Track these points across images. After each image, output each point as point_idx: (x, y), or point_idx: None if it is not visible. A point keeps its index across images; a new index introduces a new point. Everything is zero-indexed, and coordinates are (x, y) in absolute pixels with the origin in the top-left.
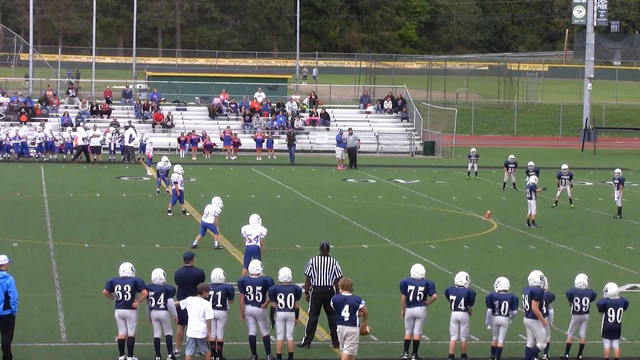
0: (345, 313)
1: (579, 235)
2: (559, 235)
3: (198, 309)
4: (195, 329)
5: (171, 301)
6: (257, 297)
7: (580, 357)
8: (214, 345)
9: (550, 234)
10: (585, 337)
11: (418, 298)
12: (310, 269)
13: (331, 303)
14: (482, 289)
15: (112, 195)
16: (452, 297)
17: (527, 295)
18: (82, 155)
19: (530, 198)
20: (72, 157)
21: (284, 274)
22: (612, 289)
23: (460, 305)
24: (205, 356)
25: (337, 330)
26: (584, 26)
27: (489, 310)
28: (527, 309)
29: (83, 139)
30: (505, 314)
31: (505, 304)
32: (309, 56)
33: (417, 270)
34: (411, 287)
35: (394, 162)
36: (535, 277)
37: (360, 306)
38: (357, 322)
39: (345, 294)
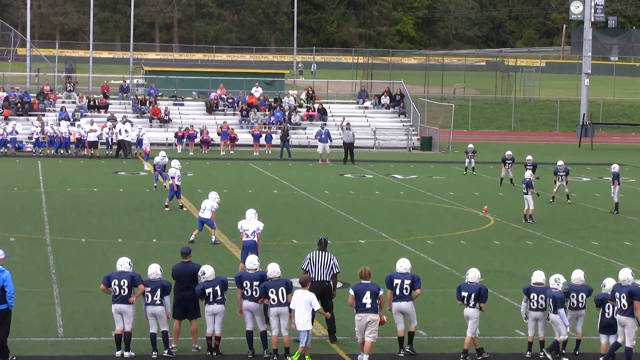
0: (367, 300)
1: (576, 231)
2: (555, 230)
3: (304, 300)
4: (301, 321)
5: (167, 298)
6: (254, 292)
7: (577, 352)
8: (210, 340)
9: (547, 230)
10: (581, 333)
11: (405, 292)
12: (308, 263)
13: (352, 292)
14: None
15: (109, 190)
16: (464, 294)
17: (624, 295)
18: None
19: (527, 193)
20: (114, 153)
21: (273, 269)
22: (610, 284)
23: (471, 302)
24: (301, 350)
25: (357, 318)
26: (582, 22)
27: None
28: (625, 308)
29: (120, 134)
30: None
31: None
32: (306, 51)
33: (402, 265)
34: (397, 281)
35: (391, 157)
36: (628, 277)
37: (381, 293)
38: (377, 309)
39: (365, 282)
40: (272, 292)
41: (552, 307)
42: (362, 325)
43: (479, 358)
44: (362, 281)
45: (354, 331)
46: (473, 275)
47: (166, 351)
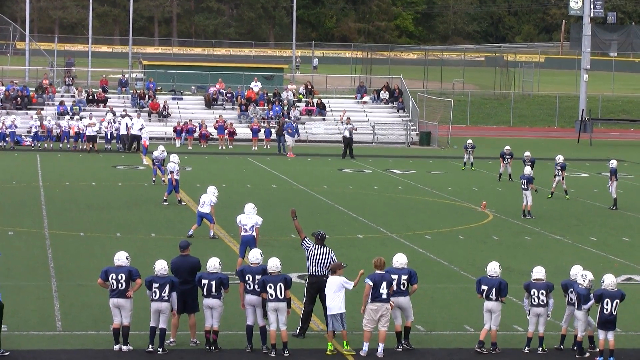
0: (384, 290)
1: (575, 227)
2: (554, 226)
3: (336, 284)
4: (335, 305)
5: (174, 294)
6: (256, 286)
7: (575, 348)
8: (209, 334)
9: (546, 225)
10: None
11: (402, 287)
12: (308, 251)
13: (370, 282)
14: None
15: (107, 184)
16: (484, 287)
17: None
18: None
19: (526, 189)
20: (127, 147)
21: (273, 263)
22: (609, 280)
23: (492, 295)
24: (342, 334)
25: (373, 307)
26: (581, 17)
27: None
28: None
29: (139, 130)
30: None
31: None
32: (305, 46)
33: (398, 260)
34: (394, 276)
35: (389, 152)
36: None
37: (393, 283)
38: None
39: (380, 272)
40: (270, 287)
41: (578, 304)
42: (376, 315)
43: (493, 352)
44: (378, 271)
45: (352, 325)
46: (491, 268)
47: (160, 349)
